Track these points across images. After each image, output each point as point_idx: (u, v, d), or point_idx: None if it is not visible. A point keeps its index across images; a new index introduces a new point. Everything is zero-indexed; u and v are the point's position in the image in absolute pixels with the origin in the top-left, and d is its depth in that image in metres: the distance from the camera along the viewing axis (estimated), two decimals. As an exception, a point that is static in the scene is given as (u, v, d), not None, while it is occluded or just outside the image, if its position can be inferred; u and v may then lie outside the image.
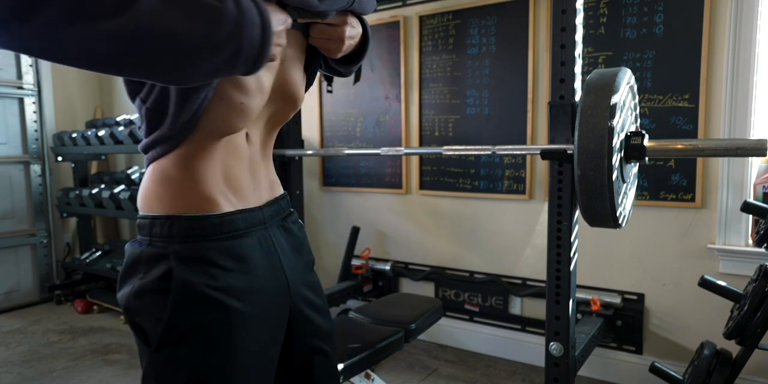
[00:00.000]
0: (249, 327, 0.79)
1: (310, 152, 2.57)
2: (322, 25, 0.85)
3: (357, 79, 1.04)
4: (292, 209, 0.99)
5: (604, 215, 1.43)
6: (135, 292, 0.75)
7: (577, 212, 1.59)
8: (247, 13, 0.61)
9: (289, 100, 0.88)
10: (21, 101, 3.58)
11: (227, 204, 0.79)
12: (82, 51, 0.55)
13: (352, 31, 0.88)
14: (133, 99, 0.77)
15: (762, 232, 1.51)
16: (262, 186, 0.89)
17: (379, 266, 2.92)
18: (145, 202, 0.79)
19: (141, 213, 0.80)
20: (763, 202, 1.92)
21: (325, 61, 0.98)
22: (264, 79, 0.78)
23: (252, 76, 0.72)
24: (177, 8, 0.57)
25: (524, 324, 2.55)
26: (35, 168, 3.64)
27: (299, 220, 1.01)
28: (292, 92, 0.87)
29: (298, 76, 0.88)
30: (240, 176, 0.82)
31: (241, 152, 0.82)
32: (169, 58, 0.59)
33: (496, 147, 1.77)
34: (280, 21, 0.71)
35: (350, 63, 0.96)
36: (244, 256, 0.79)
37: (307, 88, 0.95)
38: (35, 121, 3.63)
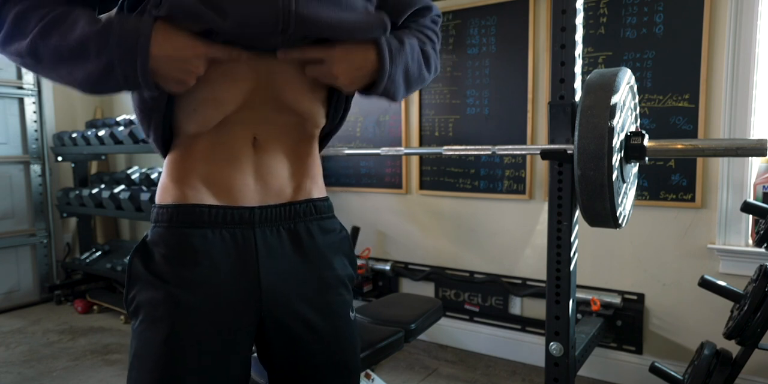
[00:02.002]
0: (193, 315, 0.81)
1: (310, 152, 2.56)
2: (311, 65, 0.83)
3: (388, 97, 0.92)
4: (323, 215, 0.95)
5: (604, 215, 1.43)
6: None
7: (577, 212, 1.59)
8: (113, 33, 0.70)
9: (291, 112, 0.87)
10: (21, 101, 3.58)
11: (195, 198, 0.84)
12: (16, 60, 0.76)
13: (347, 64, 0.82)
14: None
15: (762, 232, 1.51)
16: (272, 190, 0.88)
17: (379, 266, 2.92)
18: None
19: None
20: (763, 202, 1.92)
21: None
22: (219, 91, 0.81)
23: (205, 87, 0.80)
24: (57, 29, 0.72)
25: (524, 324, 2.55)
26: (35, 168, 3.64)
27: (339, 231, 0.97)
28: (288, 104, 0.86)
29: (296, 90, 0.86)
30: (231, 177, 0.85)
31: (239, 157, 0.86)
32: (57, 66, 0.73)
33: (496, 147, 1.77)
34: (187, 47, 0.73)
35: (371, 92, 0.89)
36: (192, 247, 0.82)
37: (344, 109, 0.95)
38: (35, 121, 3.63)
